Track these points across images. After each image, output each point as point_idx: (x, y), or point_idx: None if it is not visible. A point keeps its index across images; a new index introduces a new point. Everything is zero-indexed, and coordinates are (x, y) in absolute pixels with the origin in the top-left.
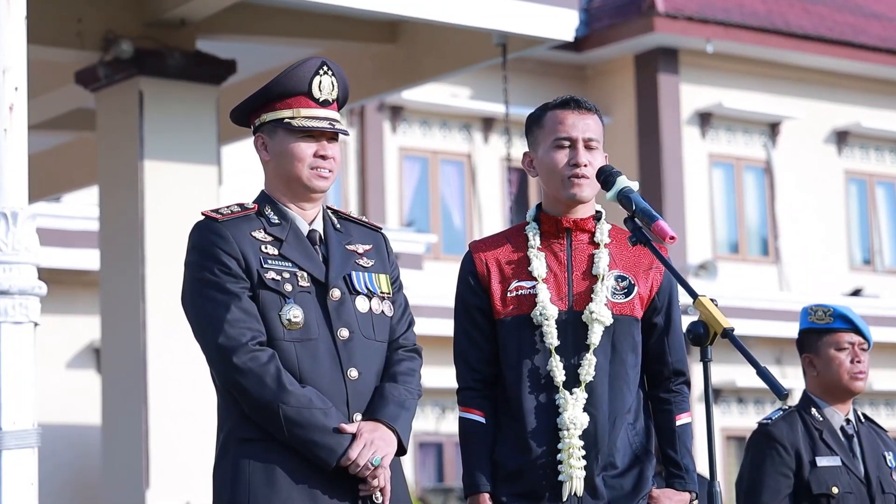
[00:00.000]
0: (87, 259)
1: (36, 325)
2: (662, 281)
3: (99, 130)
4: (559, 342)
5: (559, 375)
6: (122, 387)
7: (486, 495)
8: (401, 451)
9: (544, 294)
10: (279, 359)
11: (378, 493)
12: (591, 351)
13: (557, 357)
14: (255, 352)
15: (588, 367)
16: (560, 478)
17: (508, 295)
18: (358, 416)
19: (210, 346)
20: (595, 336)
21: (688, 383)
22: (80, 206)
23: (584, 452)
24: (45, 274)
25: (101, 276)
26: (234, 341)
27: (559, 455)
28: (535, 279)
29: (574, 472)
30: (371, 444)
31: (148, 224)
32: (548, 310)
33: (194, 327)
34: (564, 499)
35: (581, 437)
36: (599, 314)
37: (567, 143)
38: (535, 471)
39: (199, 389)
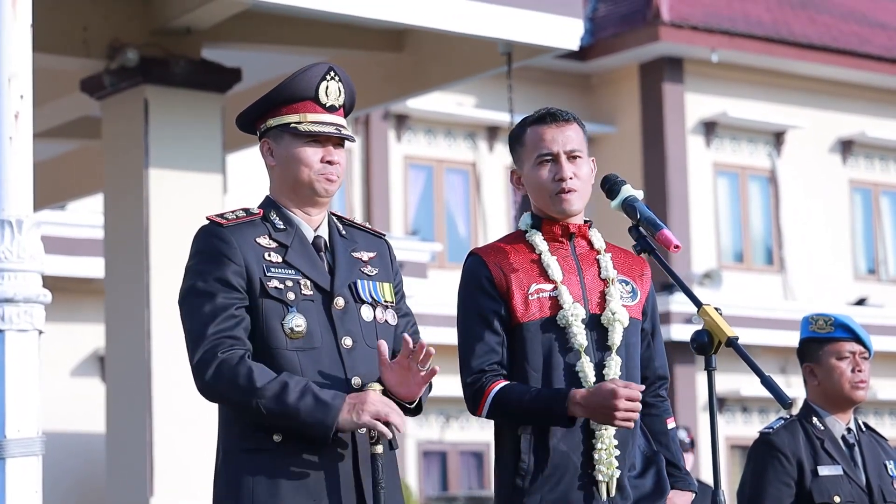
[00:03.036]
0: (92, 267)
1: (40, 332)
2: (650, 288)
3: (104, 138)
4: (586, 343)
5: (590, 375)
6: (126, 395)
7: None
8: (418, 409)
9: (567, 295)
10: (282, 368)
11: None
12: (614, 351)
13: (587, 357)
14: (225, 358)
15: (615, 367)
16: (599, 478)
17: (530, 298)
18: None
19: (191, 360)
20: (617, 336)
21: (667, 388)
22: (85, 214)
23: (618, 452)
24: (50, 282)
25: (106, 284)
26: (210, 355)
27: (595, 455)
28: (552, 282)
29: (612, 472)
30: (354, 407)
31: (153, 232)
32: (577, 310)
33: (185, 336)
34: (604, 499)
35: (615, 437)
36: (620, 315)
37: (549, 158)
38: (568, 473)
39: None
